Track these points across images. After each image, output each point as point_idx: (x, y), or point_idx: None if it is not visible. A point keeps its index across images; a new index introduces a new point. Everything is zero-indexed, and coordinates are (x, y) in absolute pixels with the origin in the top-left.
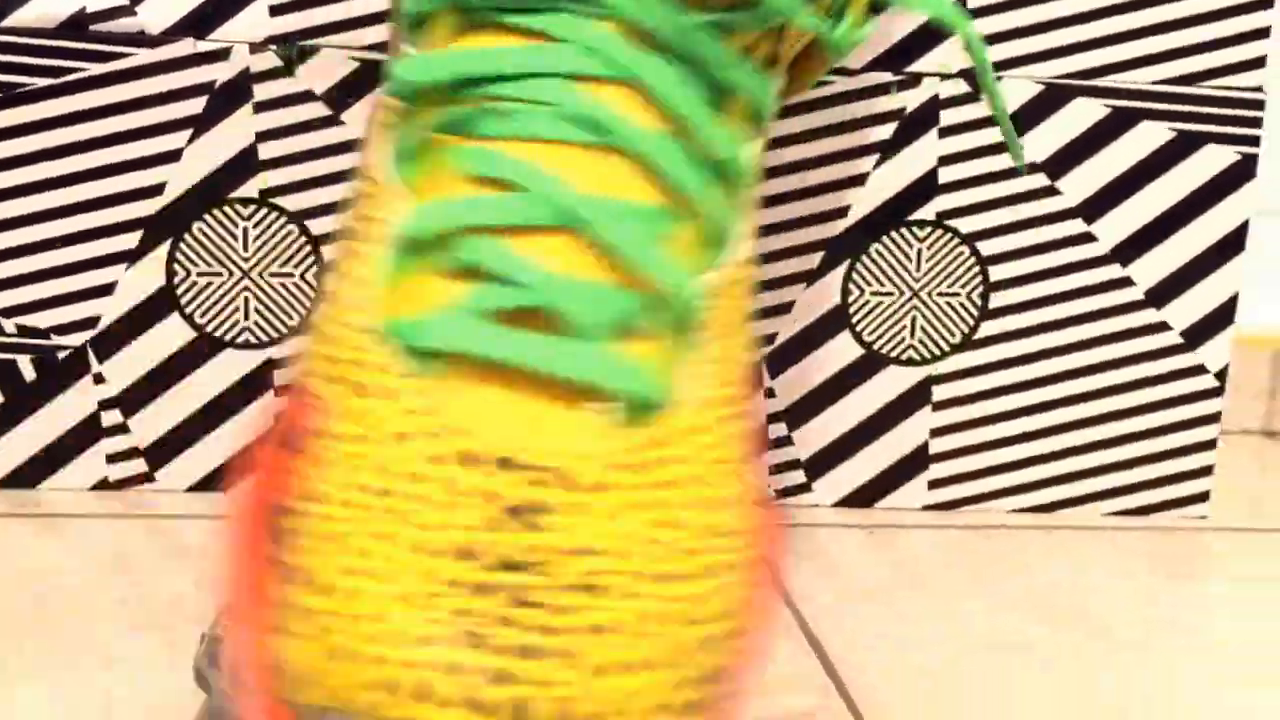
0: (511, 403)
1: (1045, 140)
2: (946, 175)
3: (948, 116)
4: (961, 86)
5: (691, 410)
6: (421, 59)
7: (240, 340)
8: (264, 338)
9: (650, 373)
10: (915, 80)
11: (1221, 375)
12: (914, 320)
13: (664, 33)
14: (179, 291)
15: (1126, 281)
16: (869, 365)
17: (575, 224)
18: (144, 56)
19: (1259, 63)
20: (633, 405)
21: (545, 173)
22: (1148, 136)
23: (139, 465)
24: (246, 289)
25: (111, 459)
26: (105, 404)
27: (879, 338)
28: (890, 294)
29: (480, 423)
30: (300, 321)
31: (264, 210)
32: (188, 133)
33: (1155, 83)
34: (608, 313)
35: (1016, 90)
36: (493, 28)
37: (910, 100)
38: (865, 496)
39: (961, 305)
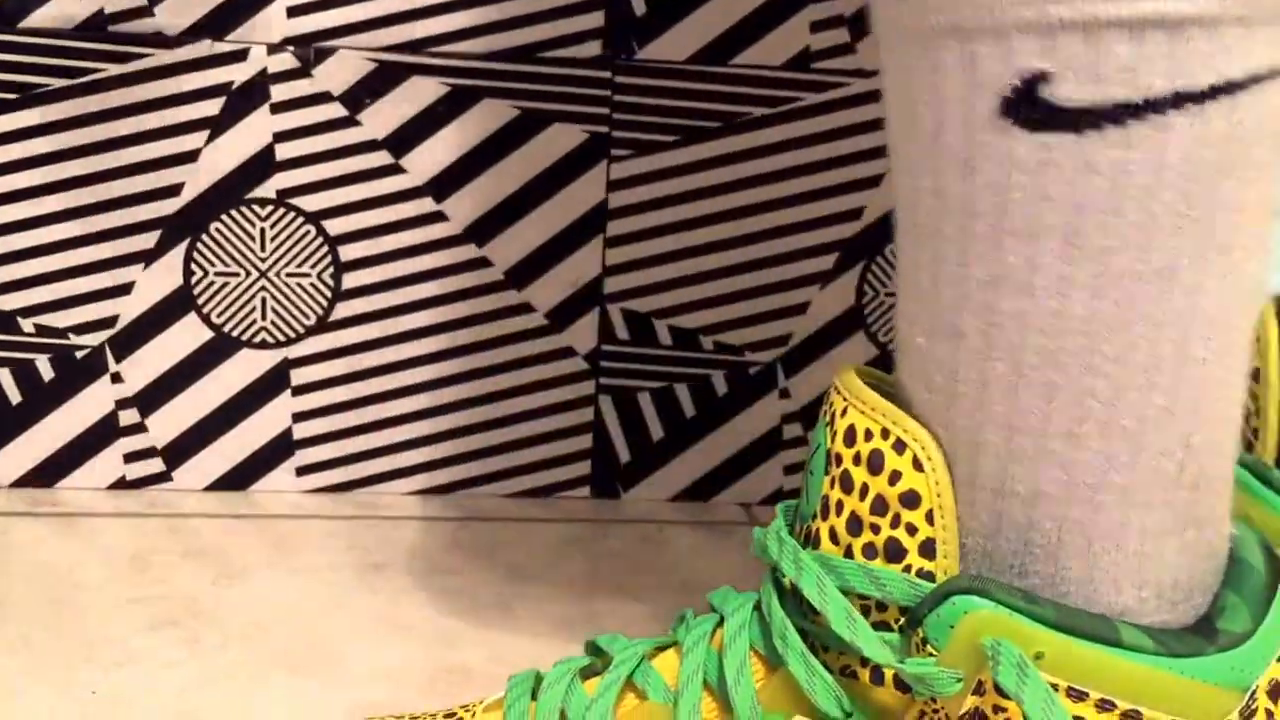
0: None
1: None
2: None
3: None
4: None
5: None
6: None
7: (257, 340)
8: (281, 337)
9: None
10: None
11: None
12: None
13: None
14: (196, 291)
15: None
16: (883, 365)
17: None
18: (162, 57)
19: None
20: None
21: None
22: None
23: (156, 464)
24: (263, 289)
25: (129, 458)
26: (123, 403)
27: (893, 338)
28: None
29: None
30: (316, 321)
31: (281, 210)
32: (205, 133)
33: None
34: None
35: None
36: None
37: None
38: None
39: None
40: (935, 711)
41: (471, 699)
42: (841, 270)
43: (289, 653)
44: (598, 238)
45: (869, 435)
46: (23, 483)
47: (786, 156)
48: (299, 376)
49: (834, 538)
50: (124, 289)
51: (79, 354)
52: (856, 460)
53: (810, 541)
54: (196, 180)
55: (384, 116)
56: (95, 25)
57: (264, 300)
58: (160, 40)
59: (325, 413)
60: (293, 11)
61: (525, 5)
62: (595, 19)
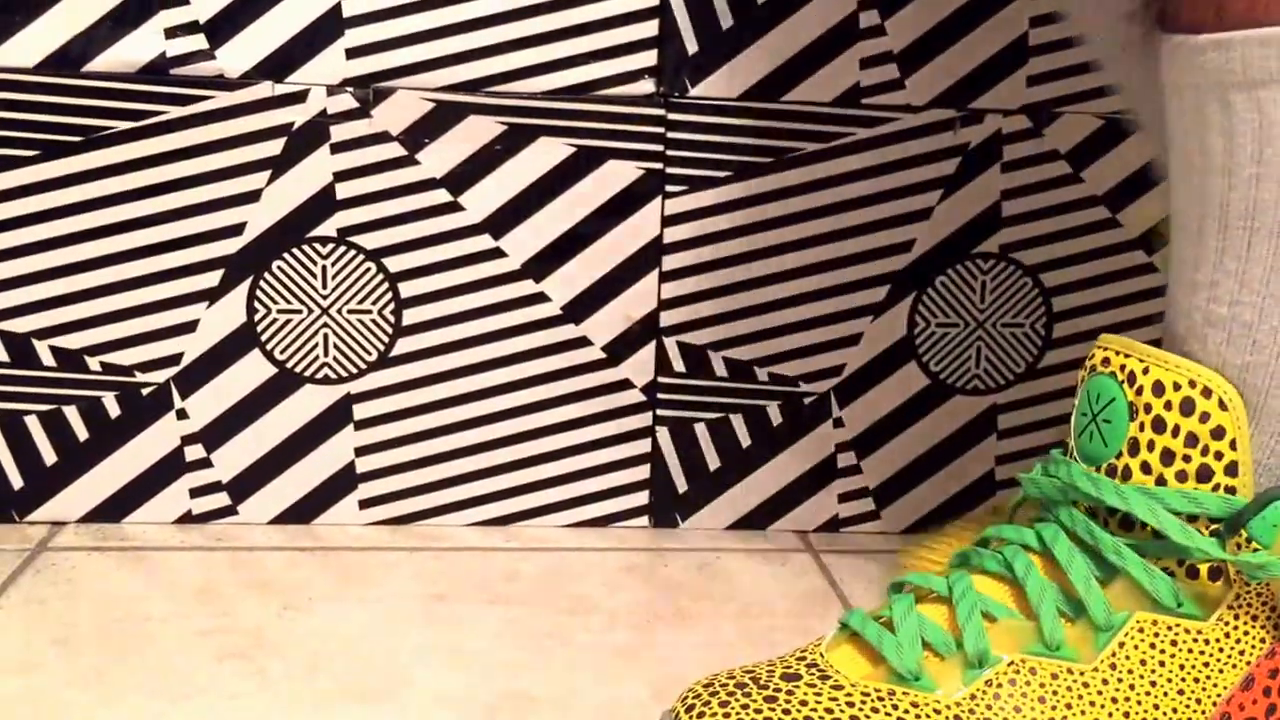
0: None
1: (1105, 174)
2: (1009, 209)
3: (1010, 151)
4: (1023, 122)
5: None
6: None
7: (319, 376)
8: (343, 373)
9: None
10: (978, 117)
11: None
12: (979, 350)
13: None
14: (259, 328)
15: None
16: (936, 395)
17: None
18: (223, 99)
19: None
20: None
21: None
22: None
23: (222, 499)
24: (325, 325)
25: (195, 493)
26: (188, 439)
27: (944, 368)
28: (955, 325)
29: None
30: (378, 356)
31: (342, 248)
32: (267, 173)
33: None
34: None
35: (1077, 125)
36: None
37: (973, 136)
38: (933, 523)
39: (1025, 335)
40: (1249, 595)
41: None
42: (893, 302)
43: (354, 683)
44: (653, 272)
45: (1177, 386)
46: (91, 518)
47: (838, 191)
48: (361, 411)
49: (1146, 469)
50: (188, 327)
51: (145, 391)
52: (1168, 406)
53: (1114, 475)
54: (258, 219)
55: (442, 155)
56: (158, 69)
57: (326, 336)
58: (222, 83)
59: (387, 446)
60: (351, 53)
61: (579, 45)
62: (648, 57)
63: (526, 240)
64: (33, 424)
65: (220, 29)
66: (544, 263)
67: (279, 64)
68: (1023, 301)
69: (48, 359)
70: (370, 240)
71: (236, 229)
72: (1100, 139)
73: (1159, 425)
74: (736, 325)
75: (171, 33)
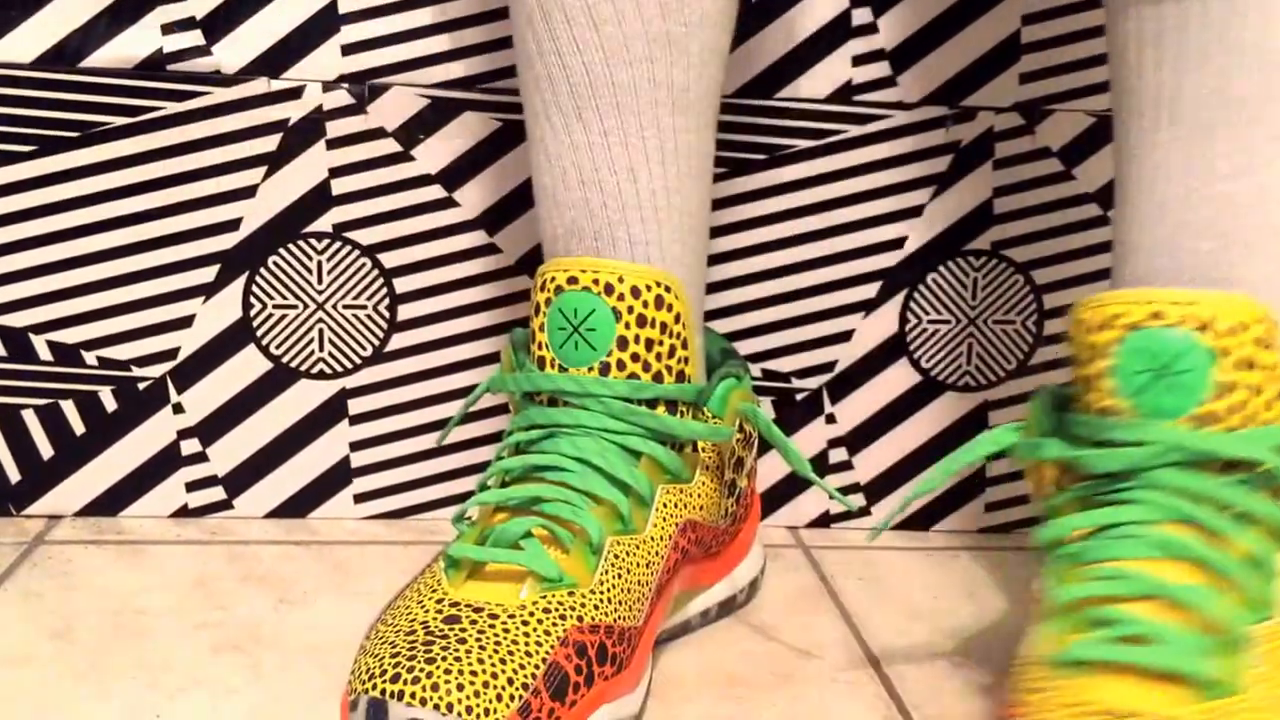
0: (1129, 686)
1: (1096, 171)
2: (1001, 206)
3: (1002, 149)
4: (1015, 120)
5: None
6: (1058, 523)
7: (315, 371)
8: (338, 368)
9: (1218, 670)
10: (970, 114)
11: None
12: (970, 347)
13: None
14: (255, 324)
15: None
16: (927, 391)
17: (1162, 594)
18: (219, 95)
19: None
20: (1208, 686)
21: (1142, 571)
22: None
23: (217, 493)
24: (321, 321)
25: (191, 487)
26: (184, 433)
27: (936, 364)
28: (947, 322)
29: (1112, 698)
30: (373, 351)
31: (337, 244)
32: (262, 169)
33: None
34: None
35: (1068, 123)
36: (1097, 502)
37: (965, 133)
38: (923, 519)
39: (1017, 332)
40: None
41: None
42: (885, 298)
43: (349, 676)
44: None
45: (649, 287)
46: (87, 511)
47: (830, 187)
48: (356, 406)
49: (635, 359)
50: (185, 322)
51: (141, 385)
52: (645, 305)
53: (606, 373)
54: (254, 215)
55: (437, 151)
56: (154, 64)
57: (321, 332)
58: (218, 79)
59: (382, 441)
60: (347, 50)
61: None
62: None
63: (520, 236)
64: (30, 418)
65: (216, 25)
66: (538, 259)
67: (275, 60)
68: (1014, 298)
69: (45, 353)
70: (365, 236)
71: (232, 224)
72: (1091, 136)
73: (642, 322)
74: (729, 321)
75: (168, 28)
